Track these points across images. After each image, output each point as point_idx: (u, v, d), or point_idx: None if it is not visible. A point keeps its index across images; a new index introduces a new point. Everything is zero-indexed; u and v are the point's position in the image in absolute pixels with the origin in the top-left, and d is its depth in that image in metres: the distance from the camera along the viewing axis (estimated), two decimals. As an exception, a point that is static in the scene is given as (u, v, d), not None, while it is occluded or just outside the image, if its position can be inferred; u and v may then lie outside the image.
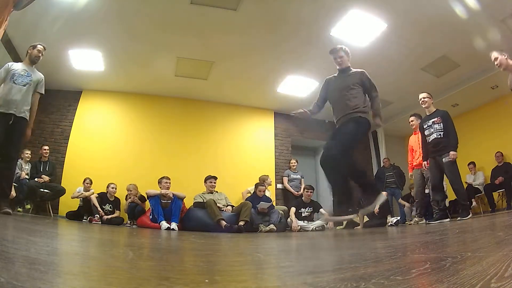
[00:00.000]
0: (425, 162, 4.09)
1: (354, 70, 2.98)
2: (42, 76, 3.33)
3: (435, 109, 4.06)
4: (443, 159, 3.78)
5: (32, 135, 5.50)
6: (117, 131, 6.13)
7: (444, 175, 3.89)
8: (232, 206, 4.84)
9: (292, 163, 6.44)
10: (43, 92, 3.35)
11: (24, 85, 3.12)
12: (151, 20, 4.30)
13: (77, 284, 0.56)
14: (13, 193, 4.11)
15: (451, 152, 3.71)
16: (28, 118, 3.17)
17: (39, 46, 3.27)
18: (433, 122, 3.97)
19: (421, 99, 4.10)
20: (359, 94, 2.87)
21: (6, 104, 3.02)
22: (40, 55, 3.27)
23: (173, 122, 6.41)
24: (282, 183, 6.37)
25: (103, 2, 3.92)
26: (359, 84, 2.87)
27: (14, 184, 4.29)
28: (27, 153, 4.85)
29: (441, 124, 3.88)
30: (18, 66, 3.19)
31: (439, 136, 3.87)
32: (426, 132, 4.05)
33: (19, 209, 4.40)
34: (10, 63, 3.22)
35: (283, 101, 6.54)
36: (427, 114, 4.10)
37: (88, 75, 5.59)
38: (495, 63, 3.20)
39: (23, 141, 3.38)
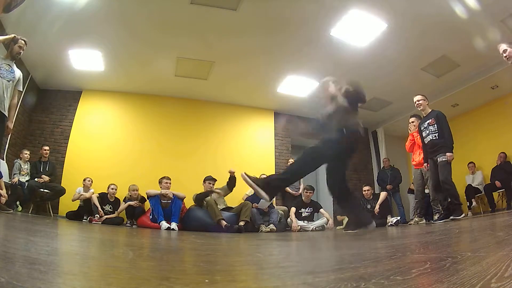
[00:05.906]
0: (426, 164, 4.10)
1: None
2: (21, 73, 3.21)
3: (430, 110, 4.07)
4: (438, 159, 3.80)
5: (32, 135, 5.48)
6: (117, 131, 6.13)
7: None
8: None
9: (290, 163, 6.37)
10: (22, 90, 3.27)
11: (9, 81, 3.00)
12: (151, 20, 4.30)
13: (77, 284, 0.56)
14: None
15: (447, 154, 3.73)
16: (7, 115, 3.02)
17: (20, 41, 3.07)
18: (428, 123, 3.99)
19: (416, 102, 4.12)
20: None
21: None
22: (21, 51, 3.11)
23: (173, 122, 6.40)
24: None
25: (103, 2, 3.92)
26: None
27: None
28: (26, 153, 4.83)
29: (435, 125, 3.90)
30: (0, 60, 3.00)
31: (435, 138, 3.89)
32: (424, 134, 4.07)
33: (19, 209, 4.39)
34: None
35: (283, 101, 6.53)
36: (424, 116, 4.13)
37: (88, 75, 5.59)
38: (504, 55, 3.07)
39: (5, 139, 3.24)
